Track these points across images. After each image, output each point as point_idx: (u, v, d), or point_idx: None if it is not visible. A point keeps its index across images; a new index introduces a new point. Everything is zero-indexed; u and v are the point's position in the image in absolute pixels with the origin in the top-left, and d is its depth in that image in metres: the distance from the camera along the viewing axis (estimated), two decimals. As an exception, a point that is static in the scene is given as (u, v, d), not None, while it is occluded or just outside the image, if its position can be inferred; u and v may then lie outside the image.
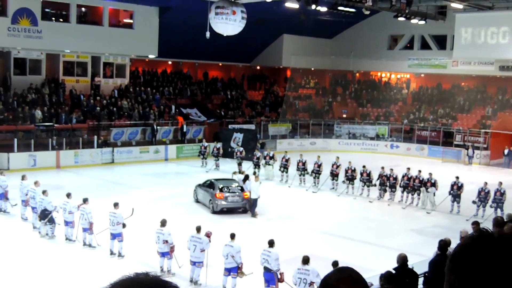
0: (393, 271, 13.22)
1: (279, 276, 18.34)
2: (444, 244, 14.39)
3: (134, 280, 1.89)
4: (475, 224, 18.08)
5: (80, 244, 24.18)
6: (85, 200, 24.27)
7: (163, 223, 21.15)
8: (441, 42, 61.38)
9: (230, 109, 59.35)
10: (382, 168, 35.80)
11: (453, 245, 16.45)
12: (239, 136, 50.51)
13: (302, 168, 39.09)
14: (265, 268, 18.46)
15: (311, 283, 16.50)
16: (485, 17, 52.47)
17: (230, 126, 54.18)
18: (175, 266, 21.10)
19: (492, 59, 54.57)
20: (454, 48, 56.04)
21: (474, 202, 31.75)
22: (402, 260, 13.71)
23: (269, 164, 40.98)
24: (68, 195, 24.91)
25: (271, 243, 18.77)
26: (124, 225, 22.95)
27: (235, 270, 19.35)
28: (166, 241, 20.74)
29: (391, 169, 35.31)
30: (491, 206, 31.15)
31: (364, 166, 36.36)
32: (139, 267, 21.61)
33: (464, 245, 1.98)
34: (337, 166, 37.77)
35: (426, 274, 14.06)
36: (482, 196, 31.61)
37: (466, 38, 54.40)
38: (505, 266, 1.83)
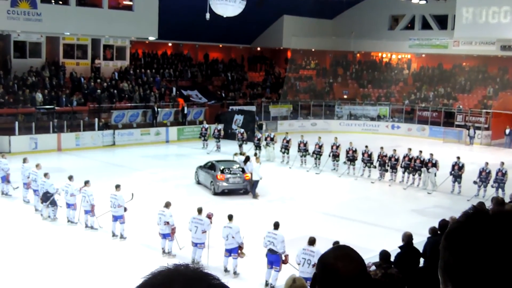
0: (392, 250, 13.25)
1: (283, 258, 18.39)
2: (443, 224, 14.41)
3: (175, 272, 1.86)
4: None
5: (82, 226, 24.26)
6: (86, 182, 24.33)
7: (167, 205, 21.21)
8: (442, 22, 61.23)
9: (231, 91, 59.29)
10: (381, 148, 35.80)
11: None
12: (239, 118, 50.50)
13: (303, 149, 39.09)
14: (270, 250, 18.48)
15: (315, 264, 16.51)
16: (487, -3, 52.38)
17: (230, 108, 54.08)
18: (176, 247, 21.16)
19: (494, 38, 54.40)
20: (455, 28, 55.86)
21: (475, 182, 31.76)
22: (408, 238, 13.75)
23: (270, 146, 40.99)
24: (70, 178, 24.97)
25: (276, 225, 18.79)
26: (125, 209, 23.00)
27: (235, 251, 19.43)
28: (167, 223, 20.80)
29: (394, 150, 35.32)
30: (492, 186, 31.18)
31: (366, 146, 36.36)
32: (141, 249, 21.75)
33: (458, 222, 1.98)
34: (337, 147, 37.73)
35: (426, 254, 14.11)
36: (483, 177, 31.61)
37: (467, 17, 54.21)
38: (500, 243, 1.83)
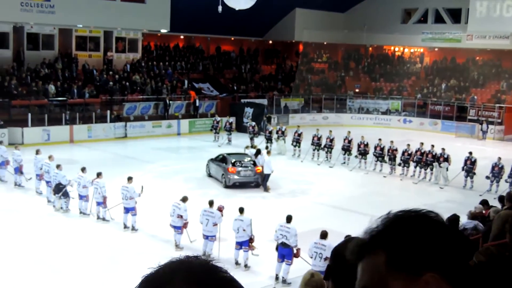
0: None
1: (295, 251, 18.39)
2: (454, 219, 14.37)
3: (180, 264, 1.86)
4: (484, 203, 18.01)
5: (94, 218, 24.35)
6: (98, 174, 24.42)
7: (184, 199, 21.25)
8: (456, 15, 60.98)
9: (243, 83, 59.28)
10: (391, 142, 35.72)
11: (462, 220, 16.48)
12: (249, 111, 50.53)
13: (316, 143, 39.02)
14: (283, 244, 18.47)
15: (327, 258, 16.52)
16: (501, -10, 52.17)
17: (241, 101, 54.04)
18: (185, 240, 21.18)
19: (508, 32, 54.18)
20: (469, 22, 55.67)
21: (487, 177, 31.66)
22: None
23: (281, 139, 40.97)
24: (83, 170, 25.06)
25: (289, 219, 18.79)
26: (135, 202, 23.07)
27: (246, 244, 19.45)
28: (181, 216, 20.81)
29: (408, 145, 35.23)
30: (506, 181, 31.04)
31: (379, 140, 36.26)
32: (152, 241, 21.81)
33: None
34: (349, 141, 37.69)
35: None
36: (496, 172, 31.50)
37: (481, 11, 54.01)
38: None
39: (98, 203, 24.09)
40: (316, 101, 59.16)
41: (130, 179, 23.55)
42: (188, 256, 1.93)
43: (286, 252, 18.44)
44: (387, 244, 1.90)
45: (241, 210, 19.82)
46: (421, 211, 1.98)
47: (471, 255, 1.86)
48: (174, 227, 21.04)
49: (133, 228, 22.96)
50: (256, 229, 19.73)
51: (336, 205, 28.65)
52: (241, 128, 47.44)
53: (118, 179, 25.57)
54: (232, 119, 45.71)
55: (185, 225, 20.98)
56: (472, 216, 16.49)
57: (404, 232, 1.92)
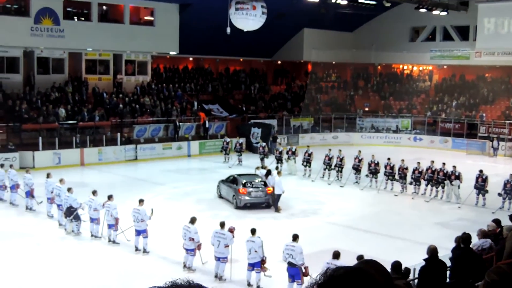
0: (416, 264, 13.19)
1: (303, 270, 18.30)
2: (466, 237, 14.31)
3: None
4: (496, 222, 17.91)
5: (105, 240, 24.32)
6: (109, 197, 24.38)
7: (192, 221, 21.11)
8: (464, 33, 61.05)
9: (252, 104, 59.35)
10: (402, 161, 35.63)
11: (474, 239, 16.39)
12: (257, 131, 50.58)
13: (327, 163, 38.97)
14: (290, 263, 18.39)
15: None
16: (509, 7, 52.23)
17: (249, 122, 54.07)
18: (197, 262, 21.12)
19: (516, 49, 54.19)
20: (477, 39, 55.70)
21: (499, 194, 31.49)
22: (432, 252, 13.65)
23: (291, 159, 40.92)
24: (94, 193, 25.06)
25: (295, 237, 18.72)
26: (146, 225, 23.05)
27: (258, 265, 19.36)
28: (192, 239, 20.75)
29: (418, 163, 35.10)
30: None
31: (389, 159, 36.18)
32: (163, 263, 21.76)
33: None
34: (359, 160, 37.65)
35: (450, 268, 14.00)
36: (508, 189, 31.32)
37: (489, 28, 54.03)
38: None
39: (110, 226, 24.04)
40: (325, 120, 59.07)
41: (141, 201, 23.54)
42: (180, 279, 1.96)
43: (294, 272, 18.34)
44: None
45: (253, 231, 19.75)
46: (356, 268, 2.11)
47: None
48: (187, 250, 20.97)
49: (145, 251, 22.91)
50: (267, 250, 19.66)
51: (348, 224, 28.55)
52: (250, 148, 47.44)
53: (129, 202, 25.60)
54: (242, 140, 45.64)
55: (198, 247, 20.89)
56: (483, 234, 16.39)
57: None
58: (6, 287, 19.28)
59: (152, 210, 23.58)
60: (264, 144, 43.94)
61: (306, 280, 18.28)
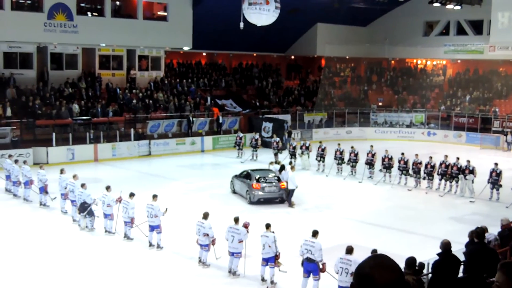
0: (430, 258, 13.16)
1: (321, 267, 18.27)
2: (481, 232, 14.25)
3: None
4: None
5: (120, 236, 24.37)
6: (131, 195, 24.27)
7: (205, 216, 21.11)
8: (478, 27, 60.79)
9: (266, 99, 59.30)
10: (416, 155, 35.52)
11: (492, 231, 16.33)
12: (268, 126, 50.56)
13: (339, 158, 38.94)
14: (308, 259, 18.34)
15: (353, 274, 16.34)
16: (523, 1, 51.88)
17: (260, 116, 54.03)
18: (212, 257, 21.14)
19: (530, 43, 53.93)
20: (491, 33, 55.38)
21: (514, 189, 31.45)
22: (445, 246, 13.59)
23: (305, 154, 40.89)
24: (108, 188, 25.09)
25: (315, 233, 18.65)
26: (160, 220, 23.05)
27: (272, 260, 19.34)
28: (207, 234, 20.75)
29: (430, 157, 35.04)
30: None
31: (402, 154, 36.10)
32: (177, 259, 21.81)
33: None
34: (373, 155, 37.60)
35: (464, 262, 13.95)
36: (522, 183, 31.28)
37: (503, 22, 53.72)
38: None
39: (126, 223, 24.07)
40: (339, 115, 58.98)
41: (155, 197, 23.56)
42: None
43: (312, 267, 18.31)
44: None
45: (267, 226, 19.72)
46: None
47: None
48: (201, 245, 20.97)
49: (159, 246, 22.93)
50: (281, 244, 19.64)
51: (361, 219, 28.50)
52: (262, 143, 47.41)
53: (143, 197, 25.62)
54: (257, 135, 45.52)
55: (213, 242, 20.87)
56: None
57: None
58: (20, 283, 19.37)
59: (166, 209, 23.57)
60: (278, 139, 43.88)
61: (322, 276, 18.28)
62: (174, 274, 20.34)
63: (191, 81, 56.74)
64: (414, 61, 67.71)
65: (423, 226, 27.14)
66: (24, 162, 32.93)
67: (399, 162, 35.89)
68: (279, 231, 20.83)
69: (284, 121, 51.73)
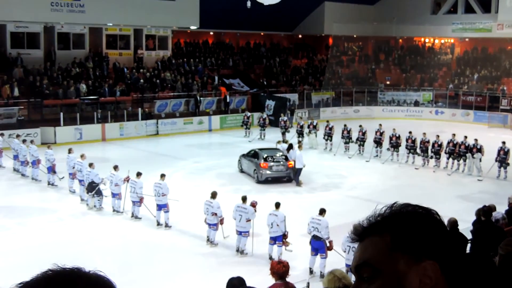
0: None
1: (328, 244, 18.33)
2: (488, 210, 14.25)
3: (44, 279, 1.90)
4: None
5: (127, 215, 24.44)
6: (138, 174, 24.31)
7: (213, 195, 21.15)
8: (486, 5, 60.51)
9: (273, 78, 59.21)
10: (424, 134, 35.48)
11: (500, 209, 16.33)
12: (271, 104, 50.58)
13: (346, 136, 38.91)
14: (314, 237, 18.40)
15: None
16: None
17: (262, 94, 53.98)
18: (220, 236, 21.21)
19: (539, 21, 53.66)
20: (499, 11, 55.19)
21: (521, 167, 31.43)
22: (452, 224, 13.62)
23: (312, 133, 40.89)
24: (115, 168, 25.17)
25: (321, 211, 18.71)
26: (167, 199, 23.08)
27: (280, 239, 19.41)
28: (215, 214, 20.79)
29: (437, 136, 34.98)
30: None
31: (410, 132, 36.05)
32: (185, 238, 21.86)
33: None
34: (381, 134, 37.56)
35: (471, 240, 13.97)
36: (530, 162, 31.25)
37: (511, 0, 53.44)
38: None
39: (134, 202, 24.12)
40: (346, 94, 58.88)
41: (163, 176, 23.61)
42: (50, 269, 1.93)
43: (318, 245, 18.38)
44: (393, 228, 2.05)
45: (277, 205, 19.76)
46: (424, 207, 2.11)
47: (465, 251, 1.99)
48: (209, 224, 21.02)
49: (167, 225, 23.01)
50: (289, 223, 19.68)
51: (369, 198, 28.49)
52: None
53: (151, 177, 25.67)
54: (265, 115, 45.44)
55: (221, 221, 20.92)
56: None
57: (410, 221, 2.10)
58: (29, 262, 19.46)
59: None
60: (286, 118, 43.91)
61: (330, 254, 18.34)
62: (182, 253, 20.42)
63: (199, 61, 56.65)
64: (422, 39, 67.51)
65: (431, 204, 26.36)
66: (31, 141, 33.00)
67: (407, 141, 35.86)
68: (286, 210, 20.87)
69: (287, 99, 51.72)
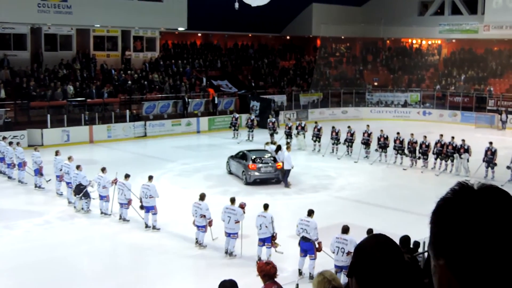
0: (426, 237, 13.19)
1: (317, 246, 18.34)
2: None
3: None
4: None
5: (115, 218, 24.37)
6: (126, 176, 24.25)
7: (202, 197, 21.10)
8: (472, 6, 60.79)
9: (261, 80, 59.22)
10: (411, 135, 35.59)
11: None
12: (256, 105, 50.75)
13: (335, 138, 38.95)
14: (303, 238, 18.41)
15: (349, 253, 16.47)
16: (518, -20, 51.82)
17: (248, 95, 54.13)
18: (208, 238, 21.17)
19: (525, 22, 53.92)
20: (486, 13, 55.44)
21: (508, 167, 31.43)
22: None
23: (301, 134, 40.92)
24: (103, 170, 25.08)
25: (310, 213, 18.73)
26: (155, 201, 23.00)
27: (269, 240, 19.40)
28: (204, 216, 20.74)
29: (424, 136, 35.08)
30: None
31: (398, 133, 36.14)
32: (174, 240, 21.83)
33: (446, 198, 2.06)
34: (369, 135, 37.63)
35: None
36: (517, 162, 31.33)
37: (497, 2, 53.77)
38: (486, 214, 1.90)
39: (122, 205, 24.04)
40: (335, 95, 58.93)
41: (151, 178, 23.53)
42: None
43: (307, 246, 18.39)
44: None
45: (266, 207, 19.74)
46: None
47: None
48: (198, 226, 20.97)
49: (154, 227, 22.92)
50: (278, 225, 19.68)
51: (357, 199, 28.57)
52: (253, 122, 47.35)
53: (139, 179, 25.62)
54: (253, 116, 45.50)
55: (209, 223, 20.87)
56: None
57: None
58: (16, 266, 19.39)
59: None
60: (274, 119, 43.97)
61: (319, 256, 18.35)
62: (171, 256, 20.37)
63: (187, 62, 56.59)
64: (409, 40, 67.71)
65: (419, 205, 27.09)
66: (18, 143, 32.84)
67: (395, 141, 35.97)
68: (275, 211, 20.88)
69: (271, 100, 51.83)
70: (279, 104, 53.17)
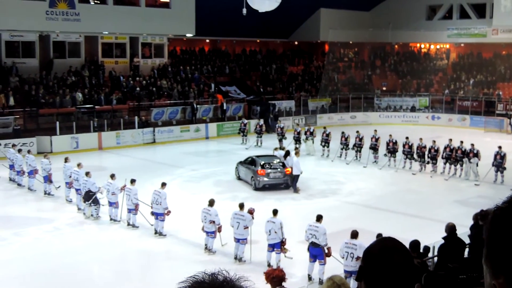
0: (435, 241, 13.14)
1: (326, 251, 18.30)
2: (486, 214, 14.22)
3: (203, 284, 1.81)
4: None
5: (125, 224, 24.36)
6: (132, 181, 24.31)
7: (211, 203, 21.08)
8: (480, 10, 60.69)
9: (270, 85, 59.20)
10: (420, 139, 35.52)
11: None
12: (256, 109, 50.89)
13: (344, 143, 38.89)
14: (313, 243, 18.38)
15: (358, 258, 16.41)
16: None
17: (249, 99, 54.28)
18: (218, 244, 21.15)
19: (533, 26, 53.82)
20: (494, 16, 55.32)
21: (518, 171, 31.45)
22: (450, 229, 13.61)
23: (310, 139, 40.88)
24: (112, 176, 25.08)
25: (319, 218, 18.69)
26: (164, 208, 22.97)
27: (278, 246, 19.36)
28: (213, 222, 20.72)
29: (433, 141, 35.00)
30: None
31: (407, 138, 36.07)
32: (183, 246, 21.80)
33: (503, 208, 1.93)
34: (376, 139, 37.55)
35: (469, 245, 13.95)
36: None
37: (505, 5, 53.62)
38: None
39: (130, 210, 24.06)
40: (343, 100, 58.90)
41: (164, 184, 23.48)
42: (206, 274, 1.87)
43: (317, 252, 18.36)
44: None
45: (275, 212, 19.70)
46: None
47: None
48: (207, 232, 20.96)
49: (161, 234, 22.87)
50: (287, 230, 19.66)
51: (366, 204, 28.52)
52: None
53: (148, 185, 25.64)
54: (262, 121, 45.48)
55: (219, 229, 20.85)
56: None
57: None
58: (25, 273, 19.42)
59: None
60: (282, 125, 43.90)
61: (329, 261, 18.31)
62: (180, 262, 20.35)
63: (195, 68, 56.63)
64: (418, 45, 67.60)
65: (428, 209, 27.13)
66: (28, 151, 32.83)
67: (404, 146, 35.89)
68: (284, 217, 20.85)
69: (270, 104, 51.91)
70: (281, 109, 53.21)
